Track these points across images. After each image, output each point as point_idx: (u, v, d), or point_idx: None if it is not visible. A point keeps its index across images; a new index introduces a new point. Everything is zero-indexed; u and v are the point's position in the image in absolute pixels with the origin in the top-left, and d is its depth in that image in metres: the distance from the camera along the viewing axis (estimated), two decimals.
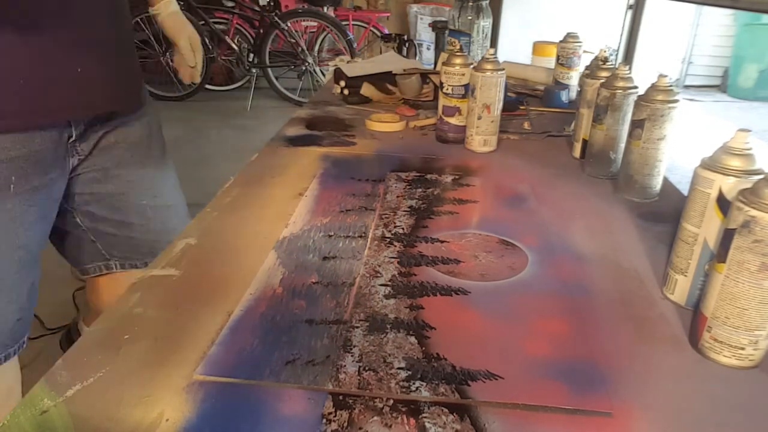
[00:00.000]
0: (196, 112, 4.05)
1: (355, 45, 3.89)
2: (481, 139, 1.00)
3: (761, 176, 0.46)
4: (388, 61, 1.50)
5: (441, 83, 1.02)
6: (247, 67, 4.09)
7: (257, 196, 0.82)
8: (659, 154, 0.77)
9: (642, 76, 0.89)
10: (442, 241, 0.70)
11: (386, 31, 3.92)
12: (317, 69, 4.05)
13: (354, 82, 1.33)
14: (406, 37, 1.73)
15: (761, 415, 0.45)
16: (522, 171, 0.94)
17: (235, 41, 4.08)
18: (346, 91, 1.34)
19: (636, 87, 0.84)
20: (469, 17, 1.58)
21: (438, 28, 1.64)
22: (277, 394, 0.45)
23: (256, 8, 3.99)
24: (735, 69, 4.93)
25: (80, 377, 0.47)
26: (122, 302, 0.57)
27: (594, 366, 0.49)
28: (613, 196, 0.84)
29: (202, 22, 3.81)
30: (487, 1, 1.59)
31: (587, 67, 1.02)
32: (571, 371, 0.48)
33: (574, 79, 1.34)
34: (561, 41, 1.35)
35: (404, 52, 1.68)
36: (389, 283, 0.61)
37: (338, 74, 1.36)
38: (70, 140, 0.83)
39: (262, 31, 3.99)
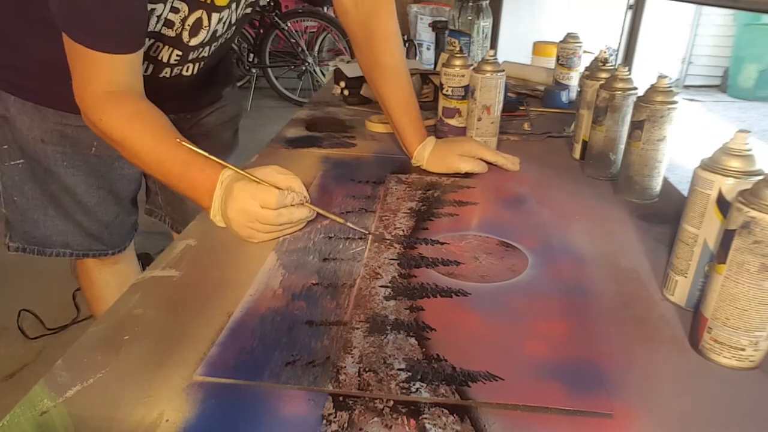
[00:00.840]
0: None
1: None
2: (481, 140, 1.00)
3: (761, 177, 0.46)
4: None
5: (441, 84, 1.03)
6: (247, 67, 4.09)
7: None
8: (659, 155, 0.77)
9: (642, 76, 0.89)
10: (442, 243, 0.70)
11: None
12: (317, 69, 4.06)
13: (354, 83, 1.33)
14: (406, 37, 1.73)
15: (761, 415, 0.45)
16: (522, 172, 0.94)
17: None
18: (346, 92, 1.34)
19: (635, 88, 0.84)
20: (469, 17, 1.58)
21: (438, 28, 1.64)
22: (277, 395, 0.45)
23: (256, 8, 3.99)
24: (735, 69, 4.93)
25: (80, 378, 0.47)
26: (122, 303, 0.57)
27: (594, 367, 0.49)
28: (613, 197, 0.84)
29: None
30: (487, 1, 1.59)
31: (587, 68, 1.02)
32: (572, 372, 0.48)
33: (574, 79, 1.34)
34: (561, 41, 1.35)
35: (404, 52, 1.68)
36: (389, 284, 0.61)
37: (338, 74, 1.36)
38: None
39: (262, 31, 3.99)
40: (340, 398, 0.45)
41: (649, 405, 0.45)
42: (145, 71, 0.82)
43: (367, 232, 0.68)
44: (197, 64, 0.88)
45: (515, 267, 0.65)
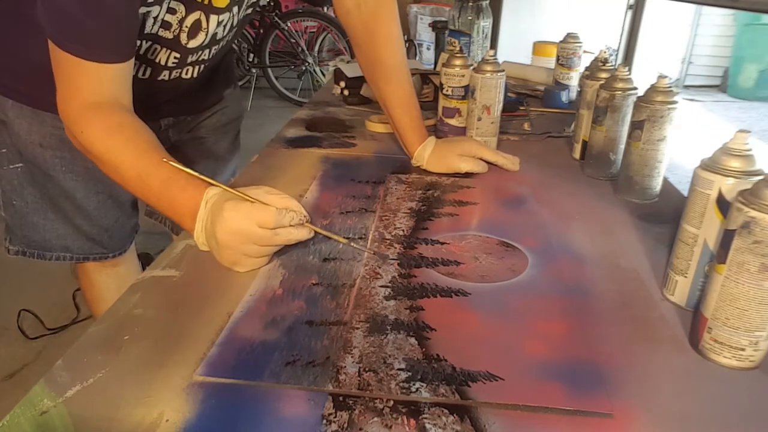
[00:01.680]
0: None
1: None
2: (481, 140, 1.00)
3: (761, 177, 0.46)
4: None
5: (441, 84, 1.03)
6: (247, 67, 4.09)
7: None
8: (659, 155, 0.77)
9: (642, 76, 0.89)
10: (442, 243, 0.70)
11: None
12: (317, 69, 4.06)
13: (354, 83, 1.33)
14: (406, 37, 1.73)
15: (761, 415, 0.45)
16: (522, 172, 0.94)
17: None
18: (346, 92, 1.34)
19: (635, 88, 0.84)
20: (469, 17, 1.58)
21: (438, 28, 1.64)
22: (277, 395, 0.45)
23: (257, 8, 3.99)
24: (735, 69, 4.93)
25: (80, 378, 0.47)
26: (122, 303, 0.57)
27: (594, 367, 0.49)
28: (613, 197, 0.84)
29: None
30: (487, 1, 1.59)
31: (587, 68, 1.02)
32: (572, 372, 0.48)
33: (574, 79, 1.34)
34: (561, 41, 1.35)
35: None
36: (389, 284, 0.61)
37: (338, 75, 1.36)
38: (161, 129, 0.99)
39: (262, 31, 3.99)
40: (340, 398, 0.45)
41: (649, 405, 0.45)
42: (143, 74, 0.81)
43: (371, 251, 0.66)
44: (197, 67, 0.87)
45: (515, 267, 0.65)
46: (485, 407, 0.45)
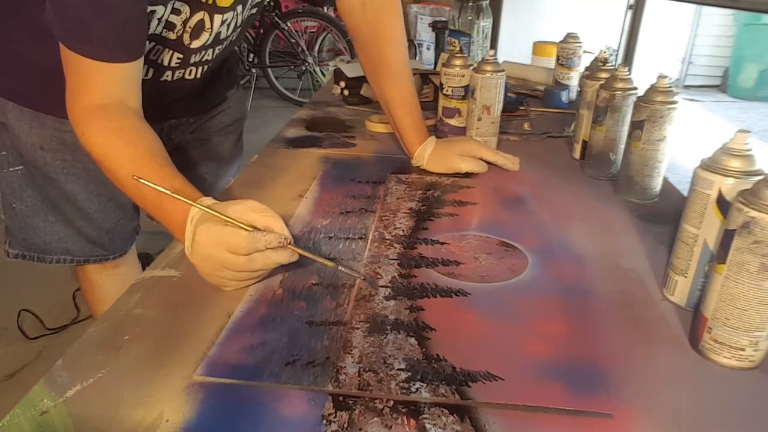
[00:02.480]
0: None
1: None
2: (481, 140, 1.00)
3: (761, 177, 0.46)
4: None
5: (441, 84, 1.03)
6: (247, 67, 4.09)
7: (257, 197, 0.81)
8: (659, 155, 0.77)
9: (642, 76, 0.89)
10: (442, 243, 0.70)
11: None
12: (317, 69, 4.05)
13: (354, 83, 1.33)
14: (406, 38, 1.73)
15: (761, 415, 0.45)
16: (522, 172, 0.94)
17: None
18: (346, 92, 1.34)
19: (635, 88, 0.84)
20: (469, 17, 1.58)
21: (438, 28, 1.64)
22: (277, 395, 0.45)
23: (261, 8, 3.98)
24: (735, 69, 4.93)
25: (80, 378, 0.47)
26: (122, 303, 0.57)
27: (594, 367, 0.49)
28: (613, 197, 0.84)
29: None
30: (487, 1, 1.59)
31: (587, 68, 1.02)
32: (572, 372, 0.48)
33: (574, 79, 1.34)
34: (561, 41, 1.35)
35: None
36: (389, 284, 0.61)
37: (338, 75, 1.36)
38: (163, 132, 0.97)
39: (262, 31, 3.98)
40: (340, 398, 0.45)
41: (649, 405, 0.45)
42: (146, 75, 0.81)
43: (360, 276, 0.61)
44: (200, 68, 0.87)
45: (515, 267, 0.65)
46: (485, 407, 0.45)
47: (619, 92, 0.84)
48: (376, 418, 0.43)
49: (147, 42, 0.73)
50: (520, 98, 1.33)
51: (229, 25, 0.81)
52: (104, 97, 0.66)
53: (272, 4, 3.89)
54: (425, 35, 1.97)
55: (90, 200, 0.92)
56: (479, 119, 0.98)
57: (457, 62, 0.99)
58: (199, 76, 0.88)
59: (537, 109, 1.29)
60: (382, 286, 0.60)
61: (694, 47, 5.16)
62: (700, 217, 0.54)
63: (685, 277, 0.56)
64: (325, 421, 0.43)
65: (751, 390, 0.47)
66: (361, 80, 1.33)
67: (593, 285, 0.62)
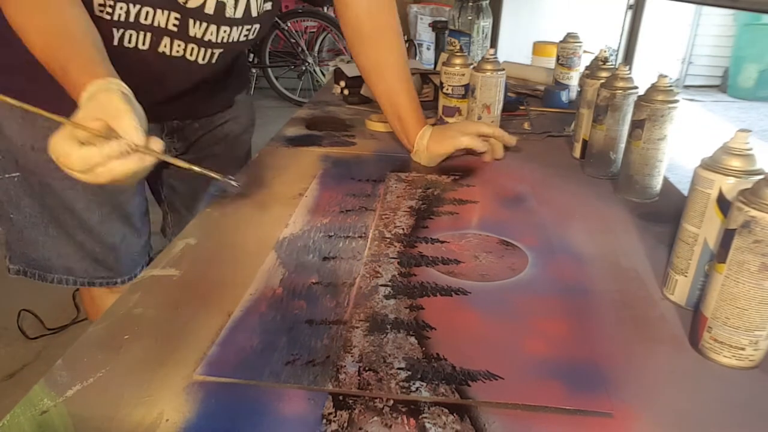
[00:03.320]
0: None
1: None
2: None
3: (761, 176, 0.46)
4: None
5: (441, 83, 1.02)
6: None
7: (257, 195, 0.82)
8: (659, 154, 0.77)
9: (642, 76, 0.89)
10: (442, 242, 0.70)
11: None
12: (317, 69, 4.06)
13: (354, 82, 1.33)
14: (406, 38, 1.73)
15: (761, 415, 0.45)
16: (522, 171, 0.94)
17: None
18: (346, 91, 1.34)
19: (636, 87, 0.84)
20: (469, 17, 1.58)
21: (438, 28, 1.64)
22: (277, 395, 0.45)
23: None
24: (735, 69, 4.93)
25: (80, 377, 0.47)
26: (122, 302, 0.57)
27: (594, 366, 0.49)
28: (613, 197, 0.84)
29: None
30: (487, 1, 1.59)
31: (587, 68, 1.02)
32: (572, 371, 0.48)
33: (574, 79, 1.34)
34: (561, 41, 1.35)
35: None
36: (389, 283, 0.61)
37: (338, 74, 1.36)
38: (164, 133, 0.95)
39: None
40: (340, 397, 0.45)
41: (649, 404, 0.45)
42: (143, 43, 0.76)
43: (226, 179, 0.58)
44: (204, 51, 0.81)
45: (515, 266, 0.65)
46: (485, 406, 0.44)
47: (620, 91, 0.84)
48: (376, 418, 0.43)
49: (136, 4, 0.70)
50: (520, 98, 1.33)
51: (236, 7, 0.77)
52: None
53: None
54: (425, 35, 1.98)
55: (90, 210, 0.87)
56: (479, 118, 0.98)
57: (458, 61, 1.00)
58: (202, 61, 0.82)
59: (537, 108, 1.29)
60: (381, 285, 0.60)
61: (694, 47, 5.17)
62: (700, 217, 0.54)
63: (685, 276, 0.56)
64: (325, 421, 0.43)
65: (751, 389, 0.47)
66: (361, 80, 1.33)
67: (593, 284, 0.62)
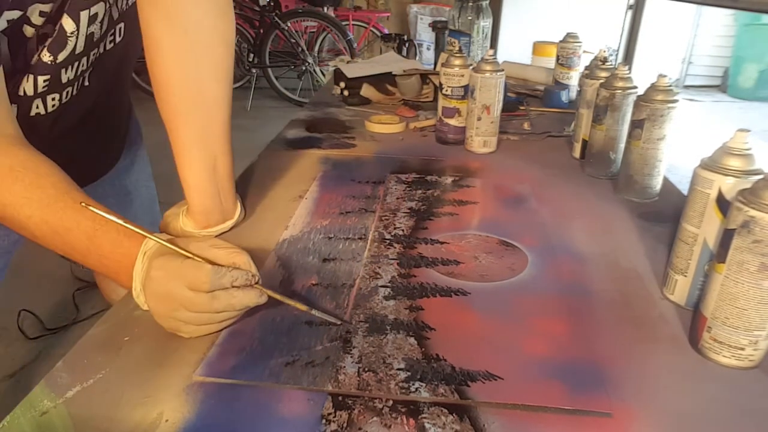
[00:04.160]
0: None
1: (355, 45, 3.89)
2: (481, 140, 1.00)
3: (761, 176, 0.46)
4: (388, 61, 1.50)
5: (440, 84, 1.03)
6: (247, 67, 4.09)
7: (257, 198, 0.82)
8: (659, 154, 0.77)
9: (642, 76, 0.89)
10: (442, 243, 0.70)
11: (386, 31, 3.92)
12: (317, 69, 4.06)
13: (354, 83, 1.33)
14: (406, 38, 1.73)
15: (761, 415, 0.45)
16: (522, 172, 0.94)
17: (235, 41, 4.08)
18: (346, 92, 1.34)
19: (635, 87, 0.84)
20: (469, 17, 1.58)
21: (438, 28, 1.64)
22: (276, 395, 0.45)
23: (256, 8, 3.99)
24: (735, 69, 4.92)
25: (80, 378, 0.47)
26: (122, 304, 0.57)
27: (594, 366, 0.49)
28: (613, 197, 0.84)
29: None
30: (487, 1, 1.59)
31: (587, 67, 1.02)
32: (571, 371, 0.48)
33: (574, 79, 1.34)
34: (561, 41, 1.35)
35: (404, 52, 1.68)
36: (389, 284, 0.61)
37: (338, 75, 1.36)
38: None
39: (262, 31, 3.99)
40: (340, 398, 0.45)
41: (649, 404, 0.45)
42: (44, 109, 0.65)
43: (337, 322, 0.54)
44: (79, 81, 0.67)
45: (515, 266, 0.65)
46: (484, 407, 0.45)
47: (620, 91, 0.84)
48: (375, 418, 0.43)
49: None
50: (520, 98, 1.33)
51: (102, 22, 0.64)
52: None
53: (272, 4, 3.89)
54: (425, 35, 1.98)
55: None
56: (479, 119, 0.98)
57: (457, 62, 0.99)
58: (76, 92, 0.68)
59: (537, 108, 1.29)
60: (381, 286, 0.60)
61: (694, 47, 5.16)
62: (700, 217, 0.54)
63: (685, 276, 0.56)
64: (324, 421, 0.43)
65: (751, 389, 0.47)
66: (361, 81, 1.33)
67: (593, 284, 0.62)
